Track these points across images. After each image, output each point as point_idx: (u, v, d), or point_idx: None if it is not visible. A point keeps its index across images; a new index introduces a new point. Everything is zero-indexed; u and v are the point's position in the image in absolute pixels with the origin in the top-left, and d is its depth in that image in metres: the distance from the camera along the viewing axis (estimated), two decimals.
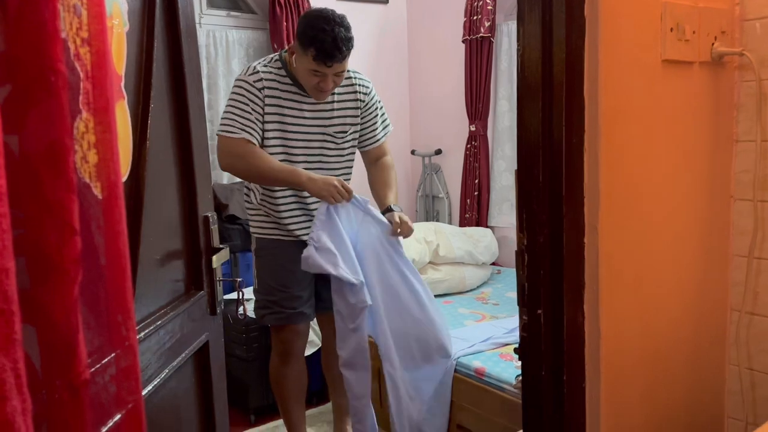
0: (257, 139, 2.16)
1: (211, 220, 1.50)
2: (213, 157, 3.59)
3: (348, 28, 2.07)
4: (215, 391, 1.52)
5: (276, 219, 2.31)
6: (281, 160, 2.22)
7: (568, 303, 1.18)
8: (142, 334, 1.18)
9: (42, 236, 0.56)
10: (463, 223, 4.08)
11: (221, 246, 1.52)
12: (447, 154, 4.25)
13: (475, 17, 3.83)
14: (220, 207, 3.40)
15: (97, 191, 0.60)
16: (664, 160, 1.26)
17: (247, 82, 2.16)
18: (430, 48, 4.33)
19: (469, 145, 4.01)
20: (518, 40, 1.17)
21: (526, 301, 1.23)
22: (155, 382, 1.23)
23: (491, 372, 2.44)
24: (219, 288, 1.53)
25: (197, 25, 3.76)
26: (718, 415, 1.43)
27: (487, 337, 2.73)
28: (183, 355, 1.37)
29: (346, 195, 2.14)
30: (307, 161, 2.26)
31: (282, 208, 2.28)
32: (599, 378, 1.18)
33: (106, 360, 0.62)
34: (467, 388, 2.53)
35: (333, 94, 2.27)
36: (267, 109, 2.17)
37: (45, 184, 0.56)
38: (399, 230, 2.28)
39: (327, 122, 2.26)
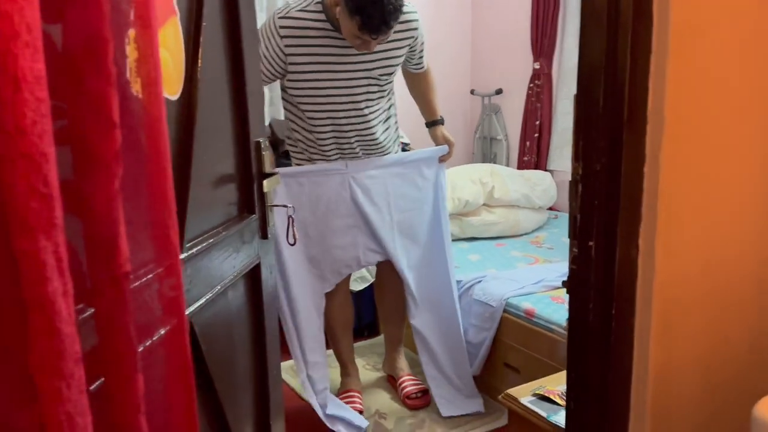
0: (264, 77, 2.14)
1: (262, 146, 1.51)
2: (270, 94, 3.61)
3: None
4: (266, 312, 1.56)
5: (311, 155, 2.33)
6: (324, 111, 2.20)
7: (623, 236, 1.13)
8: (195, 250, 1.22)
9: (84, 129, 0.57)
10: (521, 167, 3.98)
11: (273, 171, 1.54)
12: (508, 93, 4.12)
13: None
14: (276, 142, 3.42)
15: (137, 87, 0.60)
16: (738, 88, 1.17)
17: (275, 26, 2.09)
18: None
19: (531, 85, 3.87)
20: None
21: (577, 233, 1.19)
22: (207, 296, 1.27)
23: (541, 313, 2.42)
24: (271, 213, 1.56)
25: None
26: None
27: (538, 280, 2.69)
28: (235, 274, 1.41)
29: None
30: (355, 108, 2.22)
31: (319, 143, 2.28)
32: (650, 314, 1.14)
33: (148, 259, 0.64)
34: (516, 328, 2.52)
35: None
36: (293, 59, 2.10)
37: (86, 76, 0.56)
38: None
39: (372, 65, 2.19)
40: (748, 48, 1.17)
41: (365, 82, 2.20)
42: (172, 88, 1.16)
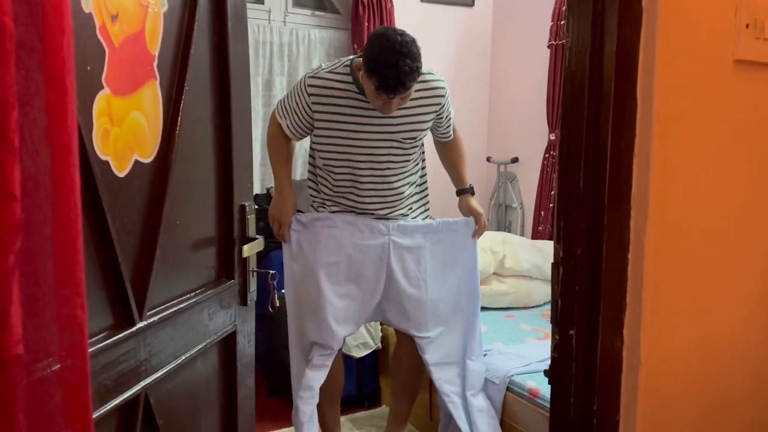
0: (293, 132, 2.26)
1: (247, 210, 1.48)
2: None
3: (415, 57, 1.96)
4: (240, 382, 1.49)
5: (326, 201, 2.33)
6: (344, 167, 2.22)
7: (605, 325, 1.06)
8: (157, 318, 1.17)
9: None
10: (535, 236, 3.91)
11: (256, 237, 1.50)
12: (524, 162, 4.09)
13: (562, 22, 3.66)
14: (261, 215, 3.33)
15: (45, 157, 0.57)
16: (730, 174, 1.11)
17: (304, 84, 2.17)
18: (513, 52, 4.19)
19: (547, 155, 3.84)
20: (567, 31, 1.07)
21: (558, 319, 1.12)
22: (169, 367, 1.21)
23: (545, 394, 2.30)
24: (252, 279, 1.51)
25: (282, 24, 3.84)
26: None
27: (546, 357, 2.57)
28: (207, 341, 1.35)
29: (279, 237, 2.30)
30: (373, 168, 2.22)
31: (334, 191, 2.29)
32: (635, 409, 1.04)
33: (50, 341, 0.59)
34: (519, 407, 2.40)
35: None
36: (319, 116, 2.17)
37: None
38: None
39: (395, 128, 2.20)
40: (740, 134, 1.11)
41: (387, 144, 2.20)
42: (145, 151, 1.15)
